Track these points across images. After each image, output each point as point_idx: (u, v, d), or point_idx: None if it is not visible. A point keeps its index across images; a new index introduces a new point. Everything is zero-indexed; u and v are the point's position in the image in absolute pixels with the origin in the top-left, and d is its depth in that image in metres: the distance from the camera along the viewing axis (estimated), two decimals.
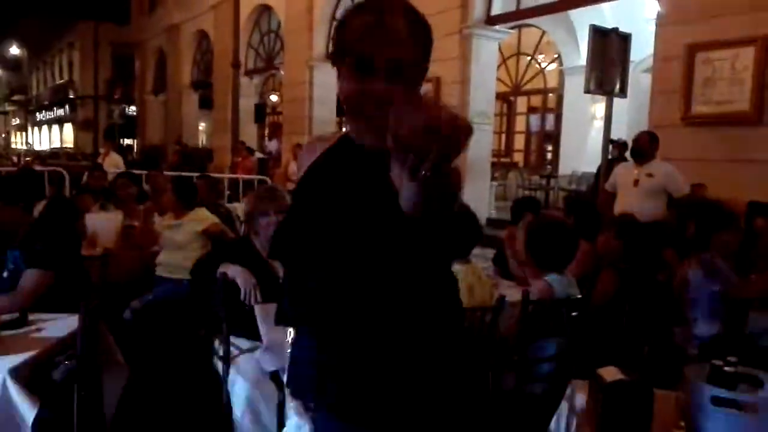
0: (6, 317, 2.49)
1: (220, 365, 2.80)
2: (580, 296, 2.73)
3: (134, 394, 2.98)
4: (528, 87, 13.74)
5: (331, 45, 1.30)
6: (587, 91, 5.84)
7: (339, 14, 12.69)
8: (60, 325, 2.48)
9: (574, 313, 2.51)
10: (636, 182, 4.94)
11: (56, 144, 35.62)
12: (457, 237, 1.15)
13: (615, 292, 2.94)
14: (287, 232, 1.34)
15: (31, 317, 2.53)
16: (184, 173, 9.21)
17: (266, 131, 20.38)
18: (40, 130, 40.40)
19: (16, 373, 2.07)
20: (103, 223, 4.49)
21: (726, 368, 1.52)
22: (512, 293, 3.33)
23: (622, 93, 5.77)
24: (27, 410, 2.05)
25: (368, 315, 1.22)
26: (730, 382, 1.50)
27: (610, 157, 7.49)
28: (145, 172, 7.04)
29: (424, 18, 1.24)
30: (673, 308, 3.30)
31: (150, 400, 3.22)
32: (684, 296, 3.32)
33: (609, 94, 5.63)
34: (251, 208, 2.97)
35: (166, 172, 7.38)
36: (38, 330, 2.44)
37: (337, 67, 1.24)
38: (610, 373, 1.73)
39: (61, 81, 34.31)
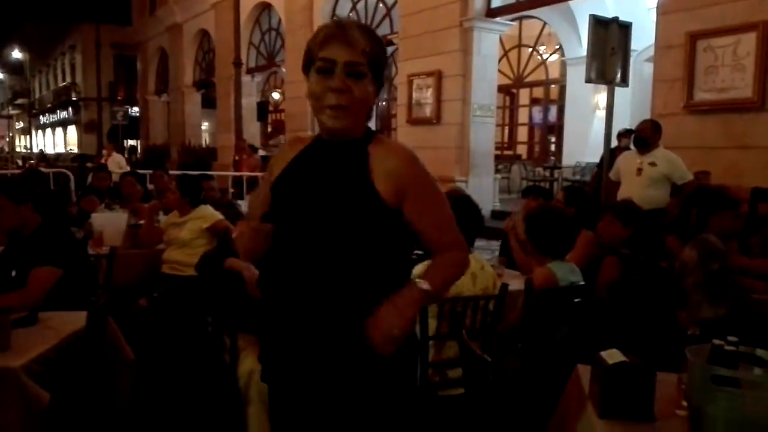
0: (17, 315, 2.52)
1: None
2: (582, 283, 2.74)
3: (144, 389, 3.02)
4: (530, 79, 13.72)
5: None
6: (588, 80, 5.83)
7: (338, 11, 12.73)
8: (70, 322, 2.51)
9: (576, 300, 2.53)
10: (639, 171, 4.94)
11: (60, 147, 35.75)
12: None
13: (618, 278, 2.96)
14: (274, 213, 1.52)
15: (41, 315, 2.56)
16: (188, 171, 9.28)
17: (269, 129, 20.43)
18: (44, 133, 40.55)
19: (28, 368, 2.10)
20: (109, 223, 4.52)
21: (726, 347, 1.54)
22: (515, 283, 3.35)
23: (624, 82, 5.76)
24: (39, 405, 2.09)
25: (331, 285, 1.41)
26: (730, 361, 1.52)
27: (616, 146, 7.48)
28: (149, 171, 7.06)
29: (374, 32, 1.50)
30: (677, 293, 3.31)
31: (160, 395, 3.25)
32: (685, 280, 3.33)
33: (610, 84, 5.62)
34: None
35: (170, 171, 7.40)
36: (49, 327, 2.47)
37: (306, 74, 1.47)
38: (613, 356, 1.75)
39: (64, 84, 34.41)
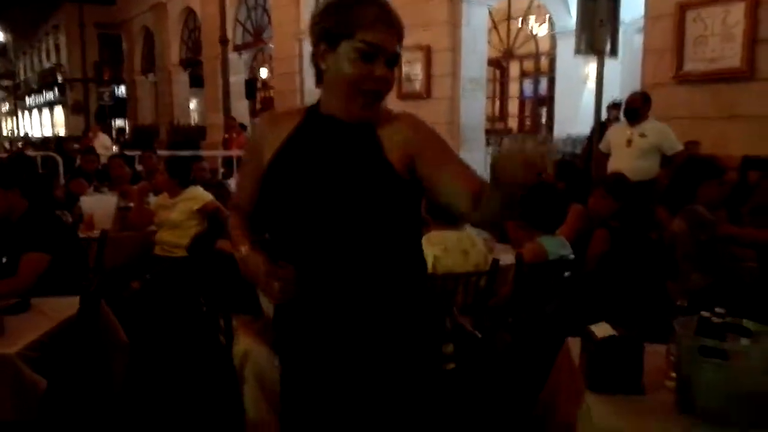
0: (8, 302, 2.51)
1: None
2: (573, 256, 2.76)
3: (139, 372, 3.04)
4: (520, 52, 13.63)
5: (323, 22, 1.38)
6: (578, 52, 5.79)
7: None
8: (62, 307, 2.51)
9: (566, 273, 2.55)
10: (629, 142, 4.95)
11: (48, 128, 35.34)
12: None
13: (607, 251, 2.98)
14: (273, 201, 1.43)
15: (33, 301, 2.55)
16: (177, 152, 9.22)
17: (258, 107, 20.24)
18: (30, 114, 40.04)
19: (23, 355, 2.11)
20: (99, 206, 4.50)
21: (714, 319, 1.56)
22: (507, 257, 3.38)
23: (613, 53, 5.72)
24: (35, 391, 2.10)
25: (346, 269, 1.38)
26: (718, 333, 1.54)
27: (606, 118, 7.46)
28: (138, 152, 7.01)
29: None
30: (666, 264, 3.35)
31: (155, 377, 3.27)
32: (675, 250, 3.37)
33: (599, 55, 5.59)
34: None
35: (159, 152, 7.35)
36: (41, 313, 2.47)
37: (329, 45, 1.35)
38: (602, 330, 1.77)
39: (49, 65, 33.85)
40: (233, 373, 2.73)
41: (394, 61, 1.35)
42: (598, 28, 5.48)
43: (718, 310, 1.61)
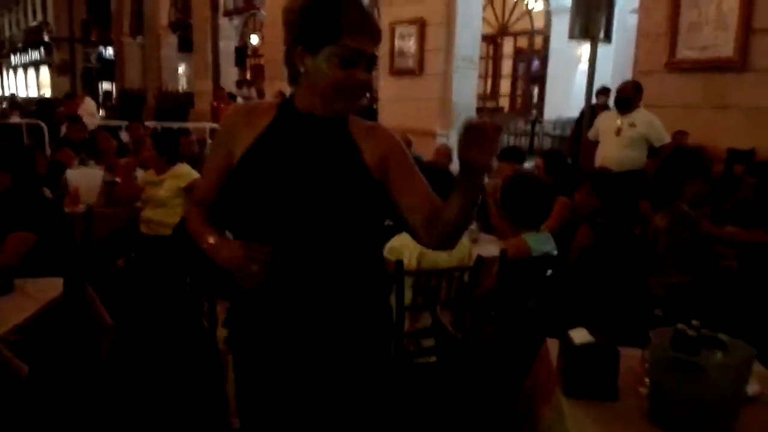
0: None
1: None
2: (556, 252, 2.79)
3: (123, 352, 3.06)
4: (515, 28, 13.50)
5: (301, 23, 1.34)
6: (572, 37, 5.76)
7: None
8: (46, 289, 2.50)
9: (549, 272, 2.57)
10: (618, 131, 4.96)
11: (33, 89, 34.69)
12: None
13: (590, 247, 3.01)
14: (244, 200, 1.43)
15: (16, 282, 2.54)
16: (164, 122, 9.12)
17: (248, 74, 19.97)
18: (15, 74, 39.27)
19: (4, 339, 2.11)
20: (85, 179, 4.47)
21: (689, 332, 1.59)
22: (491, 248, 3.40)
23: (607, 39, 5.70)
24: (17, 377, 2.10)
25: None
26: (692, 346, 1.57)
27: (594, 103, 7.42)
28: (125, 122, 6.92)
29: None
30: (648, 259, 3.39)
31: (139, 358, 3.29)
32: (656, 246, 3.41)
33: (593, 40, 5.56)
34: None
35: (146, 123, 7.27)
36: (25, 294, 2.46)
37: (308, 48, 1.35)
38: (580, 335, 1.81)
39: (35, 23, 33.09)
40: (218, 356, 2.75)
41: (372, 63, 1.38)
42: (593, 13, 5.45)
43: (694, 322, 1.63)
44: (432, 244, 1.48)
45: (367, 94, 1.52)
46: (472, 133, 1.22)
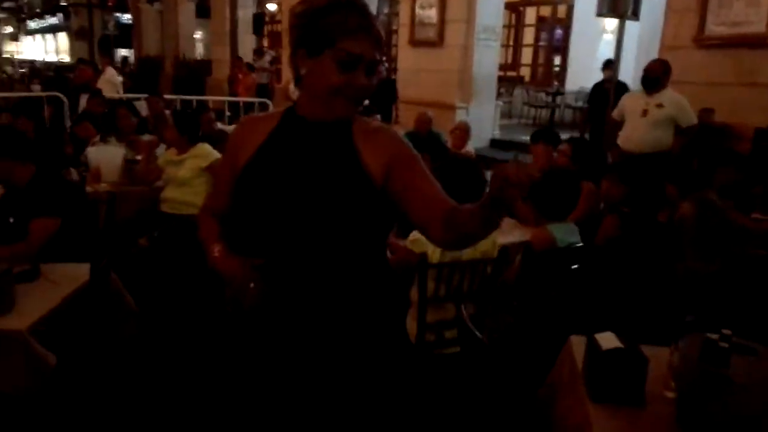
0: (19, 269, 2.53)
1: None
2: (581, 244, 2.76)
3: (147, 337, 3.09)
4: None
5: (303, 26, 1.37)
6: (599, 14, 5.62)
7: None
8: (72, 276, 2.53)
9: (574, 266, 2.55)
10: (645, 112, 4.85)
11: (51, 54, 34.73)
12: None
13: (616, 238, 2.97)
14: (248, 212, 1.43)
15: (42, 268, 2.57)
16: (183, 96, 9.10)
17: (266, 42, 19.78)
18: (33, 39, 39.30)
19: (34, 330, 2.14)
20: (106, 157, 4.47)
21: (720, 344, 1.56)
22: (515, 234, 3.37)
23: (635, 16, 5.55)
24: (46, 367, 2.14)
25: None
26: (722, 358, 1.55)
27: (601, 80, 7.22)
28: (144, 96, 6.90)
29: None
30: (675, 246, 3.35)
31: (163, 343, 3.32)
32: (683, 234, 3.36)
33: (621, 18, 5.41)
34: None
35: (165, 96, 7.25)
36: (51, 282, 2.49)
37: (309, 51, 1.35)
38: (607, 340, 1.79)
39: None
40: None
41: (373, 68, 1.36)
42: None
43: (725, 331, 1.61)
44: (445, 247, 1.46)
45: (384, 71, 1.44)
46: (504, 176, 1.17)
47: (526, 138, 9.21)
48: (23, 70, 22.35)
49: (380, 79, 1.42)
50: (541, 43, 13.80)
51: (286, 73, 12.22)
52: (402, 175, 1.40)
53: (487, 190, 1.25)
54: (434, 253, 2.53)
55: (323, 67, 1.33)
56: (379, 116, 6.73)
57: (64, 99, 7.11)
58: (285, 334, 1.45)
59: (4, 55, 36.16)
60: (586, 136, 7.35)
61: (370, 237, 1.44)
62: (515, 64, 14.06)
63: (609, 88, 6.91)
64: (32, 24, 38.69)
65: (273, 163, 1.41)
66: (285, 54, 13.59)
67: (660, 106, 4.78)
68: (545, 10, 13.55)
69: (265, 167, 1.41)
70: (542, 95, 12.20)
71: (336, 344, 1.45)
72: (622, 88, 6.88)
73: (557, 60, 13.39)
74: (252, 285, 1.38)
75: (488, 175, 1.29)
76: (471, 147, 5.79)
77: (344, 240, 1.38)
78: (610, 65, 7.26)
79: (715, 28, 6.23)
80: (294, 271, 1.40)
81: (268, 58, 13.53)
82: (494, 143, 9.60)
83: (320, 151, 1.40)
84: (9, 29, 41.65)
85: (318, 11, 1.33)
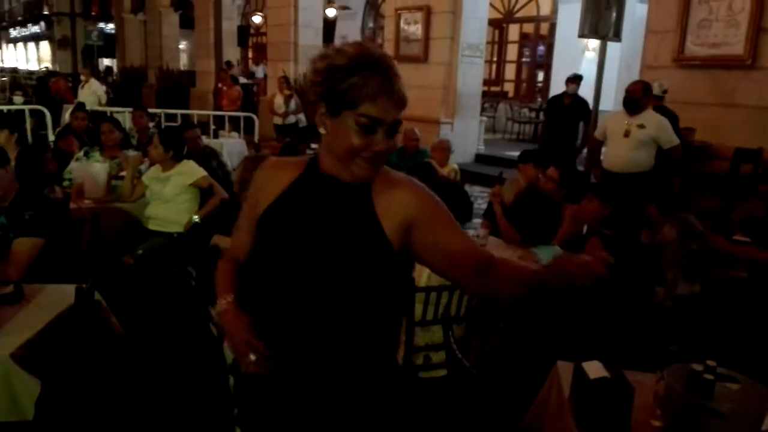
0: (1, 291, 2.49)
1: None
2: None
3: (132, 358, 3.06)
4: (520, 14, 13.38)
5: (324, 85, 1.30)
6: (581, 35, 5.71)
7: None
8: (57, 299, 2.49)
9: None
10: (627, 133, 4.92)
11: (33, 62, 34.40)
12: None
13: None
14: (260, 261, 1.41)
15: (26, 288, 2.53)
16: (168, 109, 9.06)
17: (250, 54, 19.79)
18: (15, 47, 38.91)
19: (17, 356, 2.11)
20: (90, 174, 4.44)
21: (705, 376, 1.59)
22: (500, 254, 3.39)
23: (617, 37, 5.64)
24: (30, 392, 2.11)
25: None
26: (706, 390, 1.58)
27: (563, 92, 7.14)
28: (128, 109, 6.86)
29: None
30: (656, 269, 3.39)
31: (148, 366, 3.28)
32: (663, 257, 3.41)
33: (603, 39, 5.51)
34: (245, 174, 2.95)
35: (150, 109, 7.21)
36: (35, 305, 2.45)
37: (329, 110, 1.30)
38: (594, 369, 1.81)
39: None
40: (224, 363, 2.76)
41: (394, 129, 1.32)
42: (603, 11, 5.39)
43: (709, 362, 1.64)
44: (475, 296, 1.47)
45: None
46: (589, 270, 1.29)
47: (511, 153, 9.42)
48: (5, 79, 22.08)
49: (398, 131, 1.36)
50: (525, 60, 13.98)
51: (272, 87, 12.22)
52: (423, 237, 1.35)
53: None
54: (421, 276, 2.54)
55: (343, 128, 1.29)
56: None
57: (46, 112, 7.05)
58: (280, 401, 1.42)
59: None
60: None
61: (380, 299, 1.38)
62: (499, 79, 14.23)
63: (567, 103, 6.96)
64: (14, 32, 38.32)
65: (290, 217, 1.38)
66: (271, 69, 13.59)
67: (642, 126, 4.85)
68: (528, 27, 13.75)
69: (282, 220, 1.39)
70: (526, 111, 12.34)
71: (336, 402, 1.41)
72: (583, 105, 6.92)
73: (540, 76, 13.58)
74: (253, 358, 1.35)
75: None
76: (454, 163, 5.83)
77: (351, 302, 1.34)
78: (576, 79, 7.13)
79: (694, 48, 6.36)
80: (297, 330, 1.36)
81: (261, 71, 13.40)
82: (479, 158, 9.69)
83: (337, 210, 1.36)
84: None
85: (339, 70, 1.28)
